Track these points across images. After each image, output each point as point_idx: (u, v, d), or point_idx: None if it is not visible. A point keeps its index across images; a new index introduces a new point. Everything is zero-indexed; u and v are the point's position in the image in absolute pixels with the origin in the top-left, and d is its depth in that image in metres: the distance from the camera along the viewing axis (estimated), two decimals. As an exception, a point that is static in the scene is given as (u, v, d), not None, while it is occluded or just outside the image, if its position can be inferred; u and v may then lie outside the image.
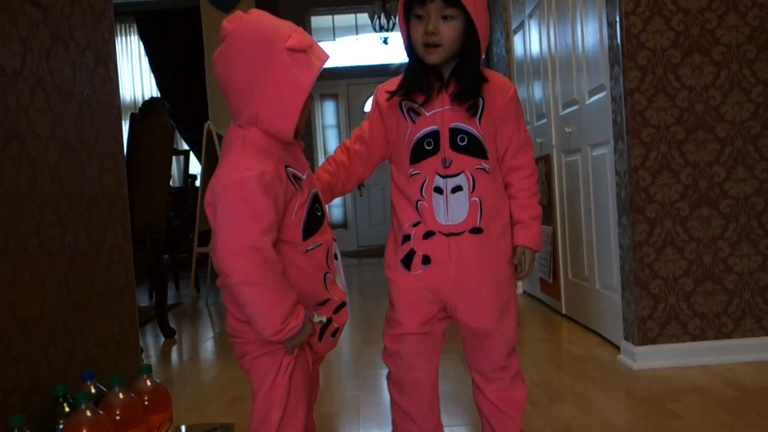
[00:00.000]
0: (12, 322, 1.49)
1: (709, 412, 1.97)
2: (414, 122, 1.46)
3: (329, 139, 8.69)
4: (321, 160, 8.59)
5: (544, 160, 3.68)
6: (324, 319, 1.27)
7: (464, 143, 1.44)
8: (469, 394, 1.74)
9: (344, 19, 8.62)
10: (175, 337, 3.63)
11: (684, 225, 2.47)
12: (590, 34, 2.88)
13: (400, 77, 1.49)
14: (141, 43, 8.46)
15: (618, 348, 2.67)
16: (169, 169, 3.79)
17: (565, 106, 3.31)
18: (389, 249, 1.55)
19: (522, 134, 1.50)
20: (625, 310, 2.58)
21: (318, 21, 8.57)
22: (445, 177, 1.44)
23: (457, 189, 1.44)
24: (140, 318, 2.40)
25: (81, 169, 1.85)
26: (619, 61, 2.50)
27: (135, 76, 8.59)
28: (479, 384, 1.54)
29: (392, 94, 1.47)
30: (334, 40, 8.65)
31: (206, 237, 4.57)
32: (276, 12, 8.24)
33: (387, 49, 8.28)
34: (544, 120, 3.68)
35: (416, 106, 1.45)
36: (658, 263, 2.47)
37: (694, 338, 2.48)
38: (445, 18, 1.38)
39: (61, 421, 1.43)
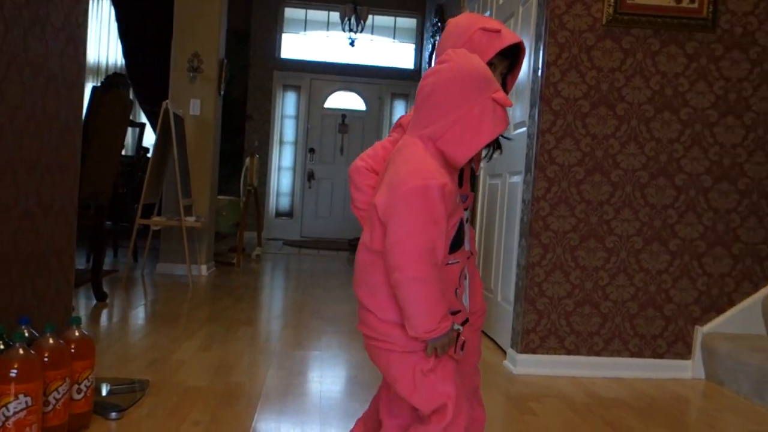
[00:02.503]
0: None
1: (561, 413, 2.30)
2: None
3: (286, 129, 8.89)
4: (276, 147, 8.80)
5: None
6: (461, 328, 1.35)
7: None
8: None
9: (316, 14, 8.85)
10: (107, 301, 3.82)
11: (573, 253, 2.81)
12: (523, 74, 3.20)
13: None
14: (113, 7, 8.53)
15: (506, 354, 3.00)
16: (122, 142, 3.98)
17: (495, 133, 3.63)
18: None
19: None
20: (514, 321, 2.92)
21: (290, 12, 8.79)
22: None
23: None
24: (76, 279, 2.62)
25: (41, 138, 2.08)
26: (536, 104, 2.83)
27: (102, 40, 8.66)
28: None
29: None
30: (304, 33, 8.87)
31: (149, 209, 4.76)
32: (250, 3, 8.42)
33: (353, 51, 8.55)
34: (478, 143, 4.00)
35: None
36: (546, 284, 2.81)
37: (569, 352, 2.83)
38: (501, 75, 1.44)
39: (-2, 355, 1.66)
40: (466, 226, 1.38)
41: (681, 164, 2.85)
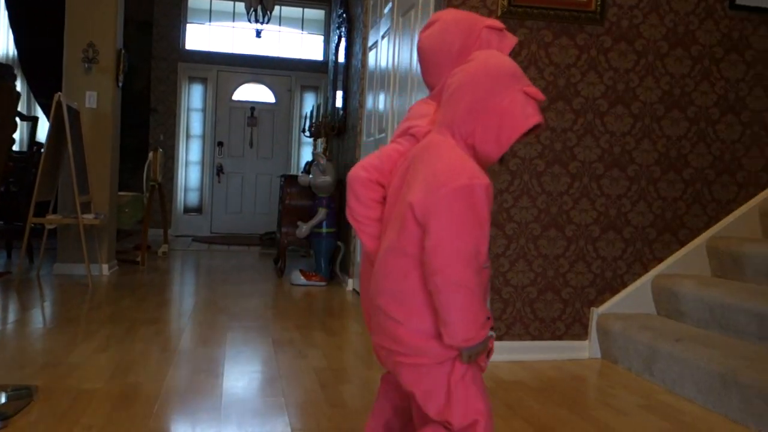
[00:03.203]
0: None
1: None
2: None
3: (193, 122, 8.66)
4: (181, 141, 8.56)
5: (379, 171, 4.01)
6: (494, 334, 1.32)
7: None
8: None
9: (222, 4, 8.65)
10: (-1, 303, 3.63)
11: (535, 242, 2.93)
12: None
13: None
14: (1, -3, 8.07)
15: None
16: (10, 137, 3.77)
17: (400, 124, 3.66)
18: None
19: None
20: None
21: (195, 2, 8.55)
22: None
23: None
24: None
25: None
26: (436, 94, 2.86)
27: (-9, 30, 8.18)
28: None
29: None
30: (209, 23, 8.65)
31: (44, 207, 4.54)
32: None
33: (261, 42, 8.41)
34: (383, 134, 4.03)
35: None
36: (510, 273, 2.89)
37: (534, 338, 2.96)
38: None
39: None
40: None
41: (575, 152, 2.95)
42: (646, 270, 3.07)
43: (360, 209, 1.39)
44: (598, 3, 2.89)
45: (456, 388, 1.24)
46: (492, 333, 1.26)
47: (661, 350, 2.58)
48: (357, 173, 1.40)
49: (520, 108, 1.24)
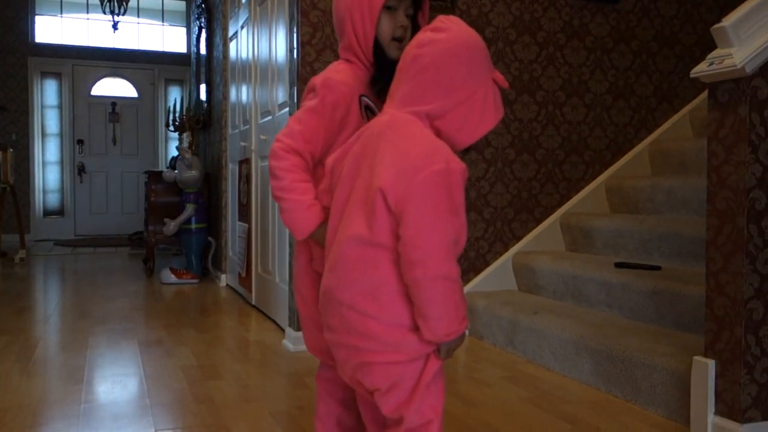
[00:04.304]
0: None
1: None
2: (368, 121, 1.33)
3: (48, 120, 8.16)
4: (37, 140, 8.04)
5: (245, 163, 3.96)
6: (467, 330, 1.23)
7: None
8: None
9: (74, -5, 8.19)
10: None
11: None
12: (281, 54, 3.21)
13: (340, 68, 1.37)
14: None
15: (284, 333, 3.03)
16: None
17: (263, 115, 3.62)
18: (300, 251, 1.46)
19: None
20: (291, 301, 2.94)
21: (43, -7, 8.05)
22: None
23: None
24: None
25: None
26: (295, 83, 2.85)
27: None
28: None
29: (368, 90, 1.37)
30: (61, 15, 8.16)
31: None
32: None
33: (119, 35, 8.03)
34: (247, 126, 3.97)
35: (375, 108, 1.38)
36: None
37: None
38: (407, 16, 1.37)
39: None
40: None
41: (434, 137, 3.03)
42: (506, 248, 3.21)
43: (290, 177, 1.28)
44: (450, -8, 2.98)
45: (424, 386, 1.15)
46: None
47: (521, 323, 2.72)
48: (280, 140, 1.31)
49: (491, 100, 1.18)
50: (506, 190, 3.19)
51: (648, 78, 3.47)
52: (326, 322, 1.21)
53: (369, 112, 1.38)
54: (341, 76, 1.36)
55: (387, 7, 1.34)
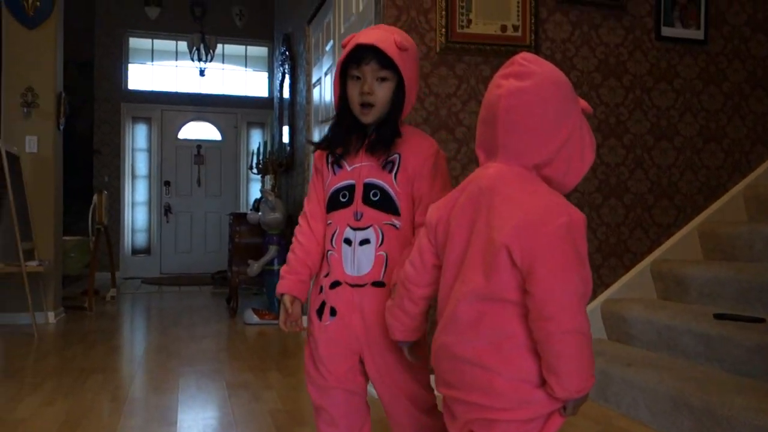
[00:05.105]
0: None
1: None
2: (335, 174, 1.53)
3: (138, 163, 8.54)
4: (127, 182, 8.42)
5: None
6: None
7: (376, 198, 1.48)
8: None
9: (163, 44, 8.60)
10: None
11: None
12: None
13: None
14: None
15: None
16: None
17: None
18: (311, 297, 1.58)
19: (436, 194, 1.45)
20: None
21: (136, 42, 8.49)
22: (355, 229, 1.48)
23: (365, 242, 1.47)
24: None
25: None
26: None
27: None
28: None
29: (316, 146, 1.57)
30: (151, 63, 8.59)
31: (-15, 257, 4.39)
32: (92, 31, 8.07)
33: (204, 80, 8.39)
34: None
35: (341, 160, 1.52)
36: None
37: None
38: (379, 80, 1.45)
39: None
40: None
41: (519, 182, 3.01)
42: (595, 295, 3.13)
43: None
44: (532, 38, 2.98)
45: None
46: None
47: (613, 375, 2.63)
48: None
49: (588, 134, 1.17)
50: (594, 235, 3.12)
51: (741, 120, 3.36)
52: (443, 379, 1.19)
53: (337, 167, 1.53)
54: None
55: (354, 77, 1.46)
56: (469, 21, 2.89)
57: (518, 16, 2.94)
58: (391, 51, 1.42)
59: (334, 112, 1.55)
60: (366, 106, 1.45)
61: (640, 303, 3.00)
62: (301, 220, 1.59)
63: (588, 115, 1.21)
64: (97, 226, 5.87)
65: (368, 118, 1.47)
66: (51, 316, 4.74)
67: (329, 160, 1.54)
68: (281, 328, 1.56)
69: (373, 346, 1.47)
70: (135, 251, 8.57)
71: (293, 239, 1.58)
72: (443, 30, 2.86)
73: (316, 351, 1.52)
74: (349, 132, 1.51)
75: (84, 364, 3.42)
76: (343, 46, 1.47)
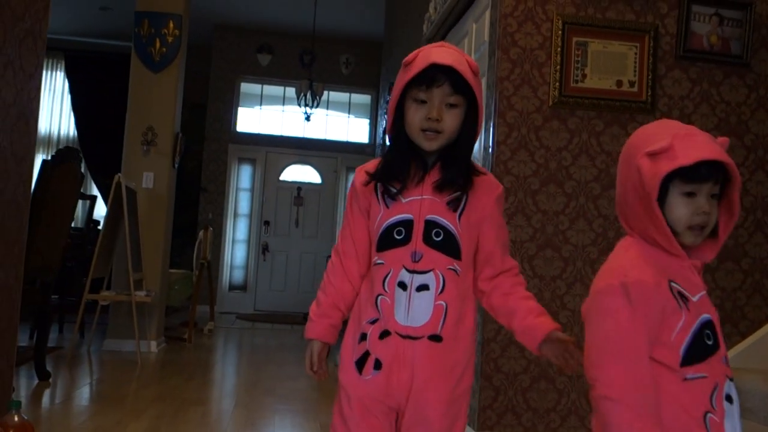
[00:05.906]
0: None
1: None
2: (387, 207, 1.35)
3: (241, 202, 8.86)
4: (229, 220, 8.74)
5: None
6: None
7: (439, 238, 1.31)
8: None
9: (272, 89, 8.98)
10: (50, 380, 3.67)
11: None
12: (474, 152, 3.28)
13: (378, 159, 1.41)
14: (66, 79, 8.54)
15: (462, 433, 2.96)
16: (72, 216, 3.91)
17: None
18: (346, 344, 1.41)
19: (504, 236, 1.40)
20: (477, 395, 2.89)
21: (246, 87, 8.90)
22: (412, 272, 1.31)
23: (423, 288, 1.30)
24: (18, 356, 2.51)
25: (-13, 214, 2.03)
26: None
27: (54, 111, 8.62)
28: None
29: (371, 177, 1.38)
30: (260, 107, 8.97)
31: (98, 283, 4.64)
32: (207, 76, 8.52)
33: (309, 125, 8.67)
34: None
35: (393, 191, 1.34)
36: (502, 359, 2.81)
37: (527, 430, 2.80)
38: (447, 106, 1.31)
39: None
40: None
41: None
42: (705, 362, 2.97)
43: None
44: (649, 93, 2.92)
45: None
46: None
47: (725, 449, 2.46)
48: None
49: (644, 173, 1.13)
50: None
51: None
52: None
53: (389, 198, 1.35)
54: (369, 165, 1.43)
55: (419, 101, 1.32)
56: (584, 75, 2.87)
57: (635, 71, 2.90)
58: (468, 75, 1.30)
59: (388, 138, 1.41)
60: (431, 131, 1.30)
61: (758, 375, 2.81)
62: (333, 256, 1.45)
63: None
64: (201, 261, 6.10)
65: (433, 144, 1.31)
66: (153, 345, 4.93)
67: (378, 191, 1.37)
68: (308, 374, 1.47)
69: (416, 405, 1.30)
70: (232, 287, 8.83)
71: (324, 276, 1.44)
72: (557, 84, 2.85)
73: (350, 408, 1.36)
74: (406, 160, 1.34)
75: (185, 395, 3.52)
76: (406, 64, 1.32)
